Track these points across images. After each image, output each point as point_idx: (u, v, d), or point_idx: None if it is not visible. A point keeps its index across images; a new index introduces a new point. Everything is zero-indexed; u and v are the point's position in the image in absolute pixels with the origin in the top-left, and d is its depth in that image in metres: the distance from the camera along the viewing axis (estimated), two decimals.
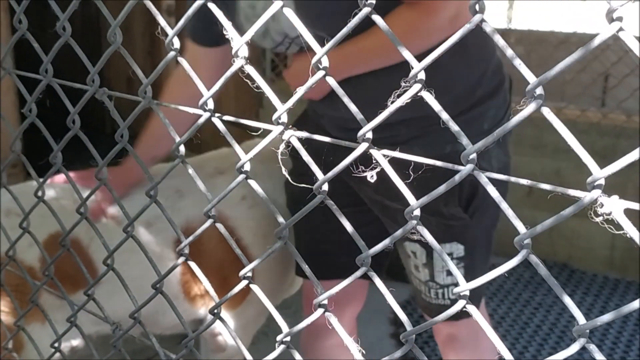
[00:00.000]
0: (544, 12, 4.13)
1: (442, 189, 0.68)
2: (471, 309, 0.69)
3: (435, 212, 1.56)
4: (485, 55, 1.58)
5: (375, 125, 0.70)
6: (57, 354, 1.25)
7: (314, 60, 0.73)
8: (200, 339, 2.23)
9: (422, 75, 0.66)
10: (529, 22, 4.20)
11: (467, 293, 0.69)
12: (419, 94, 0.67)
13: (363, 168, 0.74)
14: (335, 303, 1.88)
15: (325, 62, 0.74)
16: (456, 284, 1.64)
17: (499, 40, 0.61)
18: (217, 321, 2.03)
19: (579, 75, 3.63)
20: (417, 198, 0.69)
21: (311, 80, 0.74)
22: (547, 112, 0.60)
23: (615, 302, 3.31)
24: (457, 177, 0.66)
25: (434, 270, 1.65)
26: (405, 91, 0.67)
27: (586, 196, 0.58)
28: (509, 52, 0.61)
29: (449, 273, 1.65)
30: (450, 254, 1.63)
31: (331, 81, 0.74)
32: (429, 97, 0.68)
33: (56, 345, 1.19)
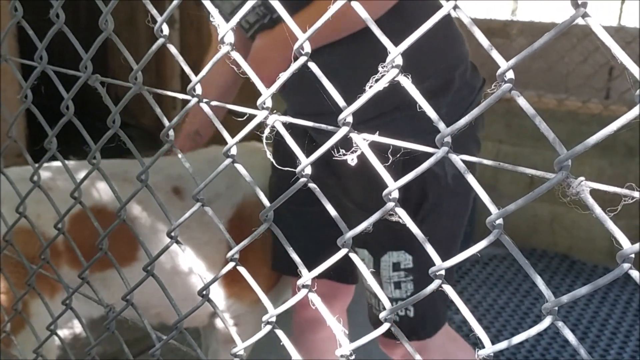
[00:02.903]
0: (547, 4, 4.13)
1: (421, 168, 0.69)
2: (447, 288, 0.71)
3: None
4: (443, 47, 1.49)
5: (356, 109, 0.72)
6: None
7: (295, 45, 0.75)
8: (212, 331, 2.25)
9: (399, 61, 0.68)
10: (532, 14, 4.20)
11: (443, 272, 0.70)
12: (396, 79, 0.69)
13: (344, 151, 0.75)
14: (324, 297, 1.88)
15: (307, 48, 0.75)
16: (404, 299, 1.56)
17: (472, 25, 0.63)
18: (228, 313, 2.08)
19: (582, 66, 3.64)
20: (380, 186, 0.70)
21: (294, 65, 0.76)
22: (516, 95, 0.61)
23: (615, 293, 3.32)
24: (432, 159, 0.67)
25: (381, 280, 1.56)
26: (383, 76, 0.68)
27: (554, 177, 0.60)
28: (483, 39, 0.63)
29: (397, 286, 1.55)
30: (397, 264, 1.54)
31: (313, 67, 0.76)
32: (407, 83, 0.69)
33: (52, 327, 1.21)
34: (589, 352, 2.84)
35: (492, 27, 3.86)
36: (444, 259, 1.60)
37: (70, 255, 1.78)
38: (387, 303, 0.76)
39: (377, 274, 1.56)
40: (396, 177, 0.72)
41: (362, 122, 1.42)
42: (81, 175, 1.88)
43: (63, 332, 2.87)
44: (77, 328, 2.79)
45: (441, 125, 0.66)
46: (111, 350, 2.96)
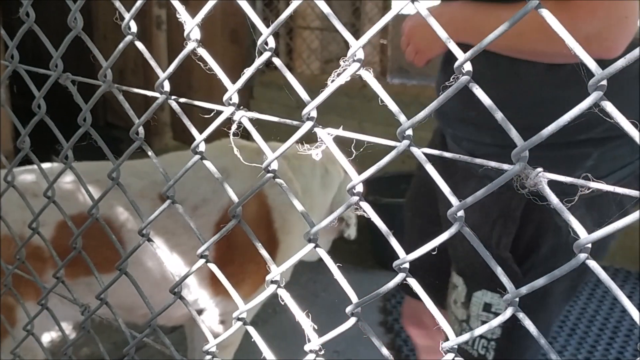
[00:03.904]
0: None
1: (384, 161, 0.69)
2: (411, 281, 0.71)
3: (487, 246, 1.34)
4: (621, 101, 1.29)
5: (319, 103, 0.72)
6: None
7: (259, 40, 0.75)
8: (199, 332, 2.25)
9: (360, 55, 0.68)
10: None
11: (407, 265, 0.70)
12: (357, 73, 0.68)
13: (308, 147, 0.75)
14: (427, 327, 1.82)
15: (271, 43, 0.75)
16: (489, 339, 1.48)
17: (428, 17, 0.63)
18: (208, 312, 2.08)
19: None
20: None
21: (259, 61, 0.76)
22: (475, 88, 0.62)
23: (602, 289, 3.33)
24: (393, 153, 0.67)
25: (470, 313, 1.49)
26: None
27: (512, 168, 0.60)
28: (440, 32, 0.63)
29: (484, 324, 1.43)
30: (488, 305, 1.44)
31: (277, 62, 0.76)
32: (369, 77, 0.69)
33: (28, 328, 1.21)
34: (576, 348, 2.85)
35: None
36: (542, 317, 1.47)
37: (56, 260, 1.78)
38: (353, 297, 0.76)
39: (466, 306, 1.49)
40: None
41: (547, 146, 1.31)
42: (67, 178, 1.89)
43: (51, 335, 2.87)
44: (67, 330, 2.79)
45: (402, 118, 0.66)
46: (99, 351, 2.96)
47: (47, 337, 2.82)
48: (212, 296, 2.07)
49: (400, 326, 2.99)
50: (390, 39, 5.00)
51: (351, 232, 2.43)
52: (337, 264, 0.77)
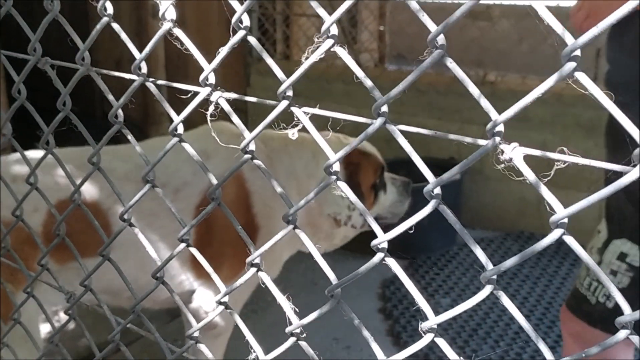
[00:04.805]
0: None
1: (360, 138, 0.68)
2: (390, 261, 0.70)
3: (631, 194, 1.37)
4: None
5: (293, 81, 0.71)
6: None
7: (234, 19, 0.73)
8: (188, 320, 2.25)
9: (334, 30, 0.67)
10: None
11: (385, 245, 0.69)
12: (332, 49, 0.67)
13: (284, 125, 0.74)
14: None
15: (246, 21, 0.74)
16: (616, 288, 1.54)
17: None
18: (205, 300, 2.07)
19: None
20: None
21: (234, 39, 0.74)
22: (449, 62, 0.60)
23: None
24: (370, 129, 0.66)
25: (602, 259, 1.49)
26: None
27: (487, 143, 0.59)
28: (413, 4, 0.62)
29: (613, 273, 1.46)
30: (624, 255, 1.44)
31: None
32: (343, 53, 0.68)
33: (15, 316, 1.20)
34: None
35: (474, 11, 3.84)
36: None
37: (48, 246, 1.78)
38: (333, 279, 0.75)
39: (601, 253, 1.49)
40: None
41: None
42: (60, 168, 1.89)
43: (49, 326, 2.86)
44: (64, 321, 2.78)
45: (376, 94, 0.65)
46: (98, 341, 2.96)
47: (46, 328, 2.82)
48: (195, 279, 2.06)
49: (399, 312, 2.97)
50: (388, 25, 4.98)
51: (355, 223, 2.39)
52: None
